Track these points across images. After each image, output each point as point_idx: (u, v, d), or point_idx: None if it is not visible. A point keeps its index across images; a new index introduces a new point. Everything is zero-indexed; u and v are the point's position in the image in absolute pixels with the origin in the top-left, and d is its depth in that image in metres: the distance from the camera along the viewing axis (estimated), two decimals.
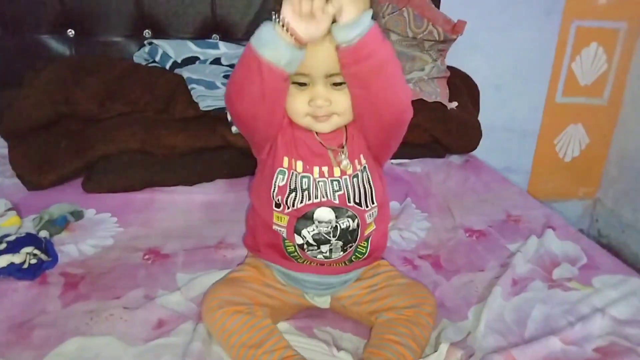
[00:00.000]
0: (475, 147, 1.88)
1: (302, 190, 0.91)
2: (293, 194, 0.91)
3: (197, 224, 1.35)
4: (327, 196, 0.92)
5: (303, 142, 0.91)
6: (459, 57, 2.08)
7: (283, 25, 0.76)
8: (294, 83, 0.84)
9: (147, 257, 1.18)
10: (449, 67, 2.03)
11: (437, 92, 1.91)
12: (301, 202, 0.91)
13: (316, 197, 0.91)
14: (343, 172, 0.92)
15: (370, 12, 0.77)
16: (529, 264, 1.20)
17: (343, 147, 0.92)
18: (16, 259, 1.05)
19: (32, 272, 1.06)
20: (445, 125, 1.81)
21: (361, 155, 0.93)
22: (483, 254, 1.26)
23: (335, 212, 0.92)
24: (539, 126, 2.47)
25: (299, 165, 0.91)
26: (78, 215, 1.30)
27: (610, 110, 2.48)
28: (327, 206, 0.92)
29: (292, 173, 0.91)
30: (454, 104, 1.90)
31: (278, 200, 0.92)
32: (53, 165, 1.45)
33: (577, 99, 2.44)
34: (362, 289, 1.00)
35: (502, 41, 2.25)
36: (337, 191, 0.92)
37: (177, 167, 1.53)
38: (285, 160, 0.92)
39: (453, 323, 1.01)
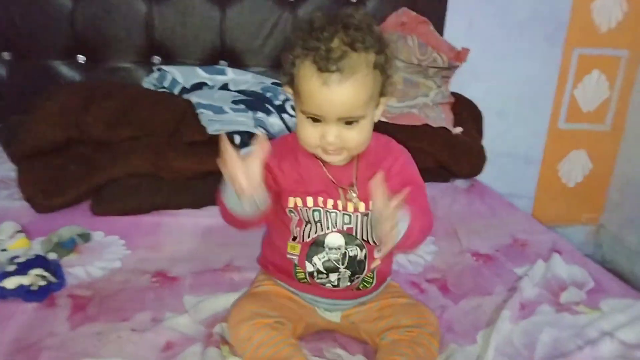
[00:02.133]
0: (480, 172, 1.89)
1: (315, 222, 0.96)
2: (308, 226, 0.96)
3: (204, 247, 1.35)
4: (337, 226, 0.96)
5: (313, 178, 0.95)
6: (462, 84, 2.11)
7: None
8: (307, 117, 0.88)
9: (154, 279, 1.19)
10: (453, 94, 2.05)
11: (442, 118, 1.93)
12: (315, 233, 0.96)
13: (327, 228, 0.96)
14: (355, 209, 0.96)
15: (404, 223, 0.87)
16: (536, 288, 1.20)
17: (353, 186, 0.95)
18: (25, 280, 1.06)
19: (40, 294, 1.06)
20: (450, 150, 1.83)
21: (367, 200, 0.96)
22: (490, 278, 1.26)
23: (345, 239, 0.96)
24: (542, 152, 2.48)
25: (309, 200, 0.96)
26: (86, 237, 1.31)
27: (612, 136, 2.50)
28: (337, 233, 0.96)
29: (301, 209, 0.96)
30: (459, 130, 1.92)
31: (296, 232, 0.97)
32: (62, 189, 1.46)
33: (580, 125, 2.46)
34: (369, 305, 1.02)
35: (505, 69, 2.28)
36: (347, 224, 0.97)
37: (185, 190, 1.54)
38: (291, 200, 0.96)
39: (461, 347, 1.01)
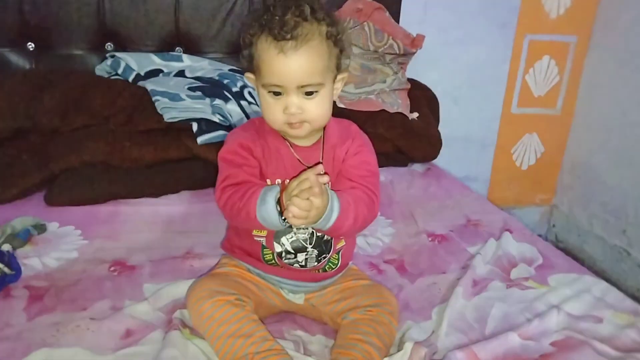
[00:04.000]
0: (436, 156, 1.94)
1: None
2: None
3: (163, 235, 1.34)
4: None
5: (282, 160, 0.98)
6: (418, 70, 2.15)
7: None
8: (269, 92, 0.91)
9: (112, 268, 1.18)
10: (409, 80, 2.09)
11: (399, 104, 1.97)
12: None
13: None
14: None
15: (333, 211, 0.89)
16: (488, 265, 1.25)
17: (319, 164, 0.97)
18: None
19: None
20: (407, 135, 1.86)
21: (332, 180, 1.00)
22: (445, 257, 1.30)
23: None
24: (496, 136, 2.55)
25: (277, 183, 0.97)
26: (41, 228, 1.29)
27: (563, 119, 2.59)
28: None
29: None
30: (415, 115, 1.96)
31: None
32: (14, 179, 1.43)
33: (532, 109, 2.54)
34: (330, 287, 1.05)
35: (459, 55, 2.33)
36: None
37: (142, 179, 1.53)
38: (268, 182, 0.97)
39: (417, 323, 1.04)
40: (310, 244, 1.00)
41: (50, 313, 1.01)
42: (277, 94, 0.91)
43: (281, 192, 0.89)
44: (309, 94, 0.90)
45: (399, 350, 0.94)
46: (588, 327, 1.04)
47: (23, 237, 1.22)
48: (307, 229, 0.99)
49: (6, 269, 1.08)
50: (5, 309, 1.01)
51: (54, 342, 0.93)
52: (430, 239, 1.39)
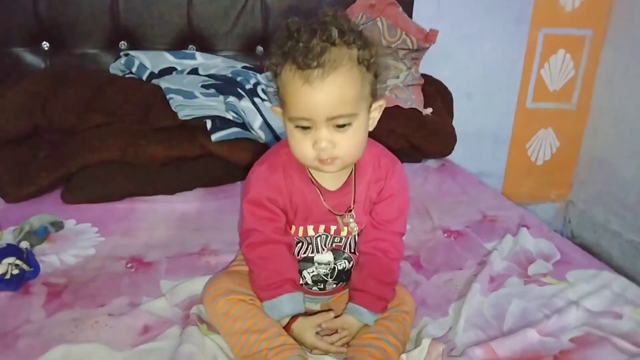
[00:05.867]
0: (451, 152, 1.93)
1: (308, 244, 0.98)
2: (299, 245, 0.98)
3: (179, 232, 1.35)
4: (327, 247, 0.99)
5: (311, 207, 0.95)
6: (431, 65, 2.13)
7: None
8: (297, 127, 0.84)
9: (130, 265, 1.18)
10: (423, 75, 2.07)
11: (413, 99, 1.96)
12: (304, 253, 0.99)
13: (318, 249, 0.99)
14: (349, 232, 0.98)
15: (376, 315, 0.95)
16: (505, 261, 1.24)
17: (351, 211, 0.97)
18: None
19: (14, 283, 1.05)
20: (421, 131, 1.85)
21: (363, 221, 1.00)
22: (461, 253, 1.29)
23: (334, 255, 0.99)
24: (511, 131, 2.53)
25: (301, 230, 0.97)
26: (58, 225, 1.30)
27: (579, 114, 2.56)
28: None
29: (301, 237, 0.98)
30: (429, 110, 1.95)
31: None
32: (32, 177, 1.44)
33: (547, 104, 2.52)
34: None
35: (473, 49, 2.31)
36: (337, 242, 0.99)
37: (157, 176, 1.54)
38: (293, 228, 0.97)
39: (434, 320, 1.04)
40: (331, 277, 1.00)
41: (68, 309, 1.02)
42: (305, 128, 0.82)
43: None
44: (341, 126, 0.82)
45: (416, 347, 0.94)
46: (607, 323, 1.02)
47: (41, 235, 1.24)
48: (329, 264, 0.99)
49: (25, 266, 1.09)
50: (24, 305, 1.02)
51: (73, 338, 0.93)
52: (445, 235, 1.38)
